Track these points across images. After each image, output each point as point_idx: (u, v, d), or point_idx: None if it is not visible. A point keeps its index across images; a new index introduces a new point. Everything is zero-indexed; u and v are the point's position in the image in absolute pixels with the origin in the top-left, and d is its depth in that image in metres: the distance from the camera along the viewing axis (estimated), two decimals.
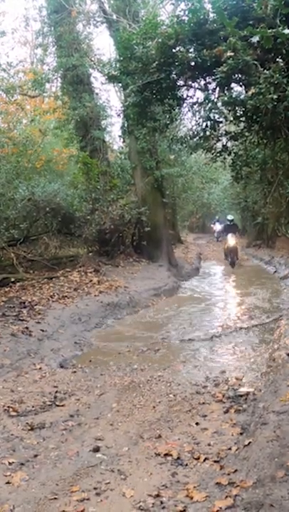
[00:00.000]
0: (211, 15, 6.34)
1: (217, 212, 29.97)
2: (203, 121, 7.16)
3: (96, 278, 10.31)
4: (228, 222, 17.78)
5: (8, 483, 3.15)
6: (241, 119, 6.95)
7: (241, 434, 3.72)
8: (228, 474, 3.09)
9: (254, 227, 21.85)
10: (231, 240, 16.41)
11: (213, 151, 7.64)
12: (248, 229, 24.06)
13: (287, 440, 3.10)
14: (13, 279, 9.55)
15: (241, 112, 6.66)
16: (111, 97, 45.24)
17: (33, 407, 4.46)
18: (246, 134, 7.38)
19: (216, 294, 11.69)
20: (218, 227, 26.51)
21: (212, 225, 28.11)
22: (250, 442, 3.35)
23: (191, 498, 2.91)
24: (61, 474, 3.29)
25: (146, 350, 6.66)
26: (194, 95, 7.39)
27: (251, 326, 7.78)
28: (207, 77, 6.79)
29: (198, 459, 3.41)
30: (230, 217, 18.25)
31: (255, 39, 5.70)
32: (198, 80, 6.97)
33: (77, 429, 4.05)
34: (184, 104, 7.52)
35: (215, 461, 3.34)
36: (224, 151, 7.65)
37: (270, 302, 9.94)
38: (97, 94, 14.49)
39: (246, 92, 6.21)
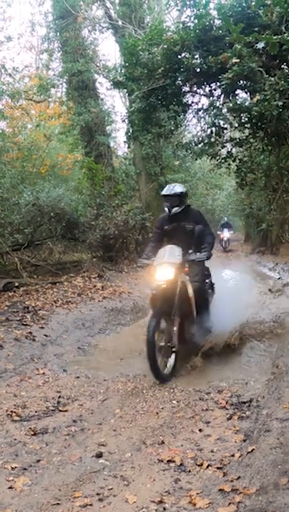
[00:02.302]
0: (217, 21, 6.38)
1: (222, 218, 28.97)
2: (208, 128, 7.19)
3: (100, 283, 10.31)
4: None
5: (10, 488, 3.14)
6: (246, 125, 6.97)
7: (244, 440, 3.70)
8: (231, 481, 3.07)
9: (258, 234, 21.83)
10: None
11: (217, 158, 7.65)
12: (252, 235, 23.96)
13: None
14: (17, 284, 9.56)
15: (246, 119, 6.68)
16: (116, 103, 45.33)
17: (36, 412, 4.46)
18: (251, 140, 7.40)
19: (217, 299, 11.60)
20: (226, 234, 23.09)
21: (218, 232, 23.01)
22: (253, 449, 3.34)
23: (194, 504, 2.89)
24: (64, 479, 3.28)
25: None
26: (199, 101, 7.43)
27: None
28: (212, 84, 6.83)
29: (201, 465, 3.39)
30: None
31: (260, 45, 5.73)
32: (204, 86, 7.00)
33: (80, 434, 4.03)
34: (189, 111, 7.56)
35: (218, 468, 3.32)
36: (229, 157, 7.66)
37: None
38: (102, 99, 14.59)
39: (251, 98, 6.24)
